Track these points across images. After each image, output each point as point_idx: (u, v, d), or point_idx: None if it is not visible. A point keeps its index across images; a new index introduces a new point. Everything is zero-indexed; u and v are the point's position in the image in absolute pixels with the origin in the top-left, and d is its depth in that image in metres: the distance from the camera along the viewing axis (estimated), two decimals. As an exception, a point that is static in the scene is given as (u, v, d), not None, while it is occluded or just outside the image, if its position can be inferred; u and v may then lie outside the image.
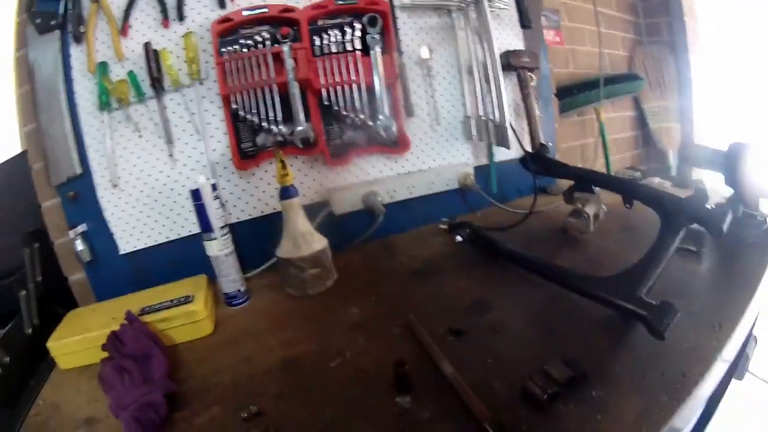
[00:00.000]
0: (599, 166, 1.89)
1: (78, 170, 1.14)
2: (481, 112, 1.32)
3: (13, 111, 1.45)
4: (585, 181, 1.16)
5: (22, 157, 1.22)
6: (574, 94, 1.72)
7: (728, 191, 1.08)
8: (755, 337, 1.57)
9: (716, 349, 0.70)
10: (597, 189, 1.16)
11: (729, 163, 1.07)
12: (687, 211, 0.89)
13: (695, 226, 0.88)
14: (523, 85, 1.37)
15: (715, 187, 1.12)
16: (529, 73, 1.39)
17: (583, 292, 0.82)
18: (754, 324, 1.16)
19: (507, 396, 0.65)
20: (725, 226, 0.85)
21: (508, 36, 1.43)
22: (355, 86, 1.19)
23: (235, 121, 1.17)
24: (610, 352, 0.72)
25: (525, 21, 1.33)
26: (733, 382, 1.02)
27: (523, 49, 1.44)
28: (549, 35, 1.70)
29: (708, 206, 0.89)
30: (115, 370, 0.80)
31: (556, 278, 0.88)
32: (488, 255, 1.09)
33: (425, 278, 1.06)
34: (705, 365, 0.67)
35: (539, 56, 1.47)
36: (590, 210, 1.12)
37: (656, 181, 1.55)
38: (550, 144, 1.27)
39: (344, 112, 1.20)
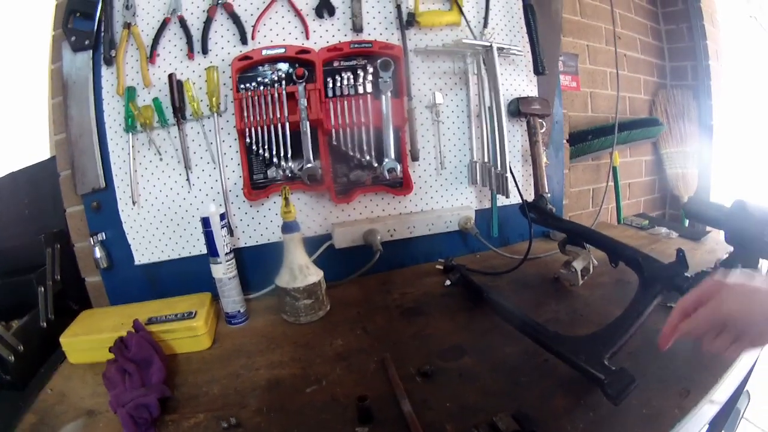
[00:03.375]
0: (611, 211, 1.95)
1: (102, 184, 1.27)
2: (486, 158, 1.40)
3: (44, 117, 1.61)
4: (576, 235, 1.24)
5: (50, 161, 1.36)
6: (589, 139, 1.77)
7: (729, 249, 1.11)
8: (748, 393, 1.62)
9: (676, 417, 0.74)
10: (587, 245, 1.23)
11: (729, 222, 1.09)
12: (663, 279, 0.95)
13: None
14: (531, 132, 1.43)
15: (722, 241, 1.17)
16: (540, 120, 1.45)
17: (551, 350, 0.88)
18: (746, 380, 1.21)
19: (456, 441, 0.73)
20: None
21: (522, 82, 1.51)
22: (364, 128, 1.29)
23: (248, 153, 1.29)
24: (566, 410, 0.77)
25: (539, 68, 1.39)
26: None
27: (535, 96, 1.51)
28: (565, 80, 1.77)
29: (687, 275, 0.93)
30: (119, 371, 0.92)
31: (530, 333, 0.94)
32: (475, 300, 1.16)
33: (411, 317, 1.15)
34: (660, 432, 0.71)
35: (552, 102, 1.54)
36: (578, 265, 1.20)
37: (663, 231, 1.60)
38: (548, 194, 1.33)
39: (352, 153, 1.30)
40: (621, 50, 1.92)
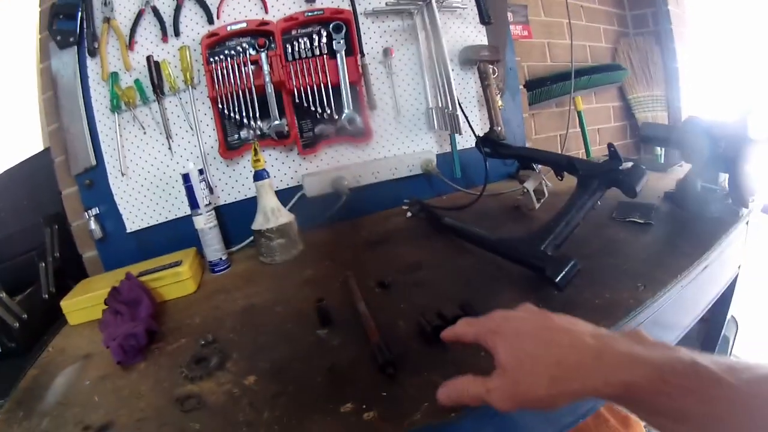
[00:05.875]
0: (581, 156, 2.10)
1: (93, 162, 1.46)
2: (441, 104, 1.57)
3: (34, 114, 1.81)
4: (524, 158, 1.38)
5: (43, 154, 1.54)
6: (548, 85, 1.94)
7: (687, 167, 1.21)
8: (734, 319, 1.74)
9: (631, 307, 0.78)
10: (537, 166, 1.38)
11: (681, 139, 1.19)
12: (599, 174, 1.02)
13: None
14: (482, 76, 1.59)
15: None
16: (491, 66, 1.61)
17: (497, 252, 0.99)
18: (729, 306, 1.33)
19: (406, 332, 0.82)
20: (639, 187, 0.97)
21: (471, 32, 1.69)
22: (322, 86, 1.48)
23: (222, 118, 1.49)
24: (515, 303, 0.73)
25: (484, 18, 1.55)
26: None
27: (484, 44, 1.70)
28: (516, 30, 1.95)
29: (622, 168, 0.99)
30: (111, 313, 1.06)
31: (479, 242, 1.07)
32: (435, 229, 1.32)
33: (376, 246, 1.32)
34: (612, 320, 0.75)
35: (503, 50, 1.71)
36: (530, 185, 1.34)
37: (629, 165, 1.76)
38: (499, 128, 1.48)
39: (314, 108, 1.49)
40: (577, 1, 2.10)
